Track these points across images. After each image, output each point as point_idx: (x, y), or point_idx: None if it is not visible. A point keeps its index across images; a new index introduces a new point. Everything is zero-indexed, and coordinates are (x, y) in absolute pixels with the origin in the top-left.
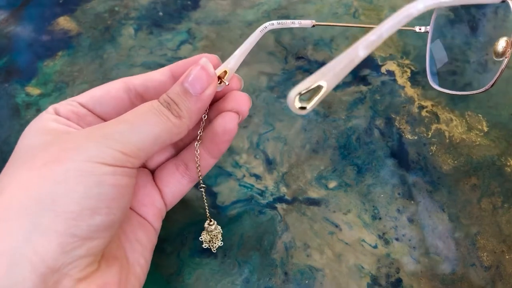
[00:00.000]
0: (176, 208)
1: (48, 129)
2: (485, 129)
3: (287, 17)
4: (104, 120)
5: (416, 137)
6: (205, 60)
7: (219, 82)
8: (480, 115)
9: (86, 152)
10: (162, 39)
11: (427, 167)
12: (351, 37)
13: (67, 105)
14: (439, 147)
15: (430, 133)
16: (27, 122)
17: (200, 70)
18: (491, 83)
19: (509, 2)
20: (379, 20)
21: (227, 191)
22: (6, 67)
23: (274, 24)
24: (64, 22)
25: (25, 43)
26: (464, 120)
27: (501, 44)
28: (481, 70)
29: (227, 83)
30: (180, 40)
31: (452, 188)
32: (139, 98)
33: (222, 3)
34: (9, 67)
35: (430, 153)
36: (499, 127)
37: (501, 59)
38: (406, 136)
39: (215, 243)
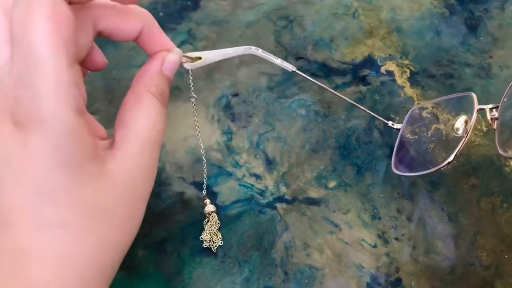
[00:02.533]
0: (176, 208)
1: None
2: (484, 129)
3: (287, 17)
4: None
5: (416, 137)
6: (178, 50)
7: (191, 61)
8: (479, 115)
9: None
10: None
11: None
12: (351, 37)
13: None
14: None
15: (429, 133)
16: None
17: (178, 58)
18: (451, 158)
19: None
20: (379, 21)
21: (227, 191)
22: None
23: (259, 50)
24: None
25: None
26: None
27: (460, 121)
28: (441, 152)
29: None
30: (180, 40)
31: (452, 188)
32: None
33: (222, 3)
34: None
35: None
36: None
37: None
38: (406, 136)
39: (215, 242)
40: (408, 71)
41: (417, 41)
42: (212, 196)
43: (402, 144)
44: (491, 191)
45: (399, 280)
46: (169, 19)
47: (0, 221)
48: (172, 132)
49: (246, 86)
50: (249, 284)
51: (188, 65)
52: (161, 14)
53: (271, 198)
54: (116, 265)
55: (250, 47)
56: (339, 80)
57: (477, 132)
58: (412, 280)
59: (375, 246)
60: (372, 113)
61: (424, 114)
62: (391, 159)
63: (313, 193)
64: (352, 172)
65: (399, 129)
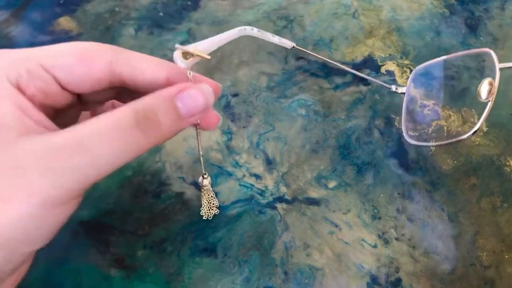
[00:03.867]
0: (176, 208)
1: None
2: (485, 129)
3: (287, 17)
4: (70, 92)
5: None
6: (209, 89)
7: (187, 57)
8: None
9: (39, 194)
10: (163, 39)
11: (427, 167)
12: (351, 37)
13: (35, 79)
14: (440, 146)
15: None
16: None
17: (200, 96)
18: (477, 125)
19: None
20: (379, 20)
21: (227, 191)
22: None
23: (254, 30)
24: (65, 23)
25: (26, 43)
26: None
27: (485, 86)
28: (461, 120)
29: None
30: (180, 40)
31: (452, 188)
32: (121, 82)
33: (222, 3)
34: None
35: (430, 153)
36: (498, 127)
37: (486, 100)
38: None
39: (211, 210)
40: (408, 71)
41: (417, 41)
42: None
43: (410, 111)
44: (491, 191)
45: (399, 280)
46: (169, 19)
47: None
48: None
49: (246, 86)
50: (249, 284)
51: (183, 64)
52: (161, 14)
53: (271, 198)
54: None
55: (244, 27)
56: (339, 80)
57: (477, 132)
58: (412, 280)
59: (375, 246)
60: (375, 80)
61: (435, 72)
62: (391, 159)
63: (313, 193)
64: (352, 172)
65: (404, 93)
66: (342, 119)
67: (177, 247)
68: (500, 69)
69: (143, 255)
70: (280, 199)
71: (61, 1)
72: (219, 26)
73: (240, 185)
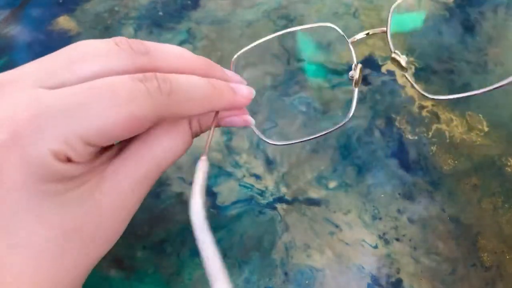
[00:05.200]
0: (175, 208)
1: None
2: (486, 129)
3: (287, 16)
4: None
5: (416, 137)
6: (252, 121)
7: None
8: (480, 115)
9: None
10: (162, 39)
11: (428, 167)
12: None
13: (82, 146)
14: (440, 147)
15: (430, 133)
16: None
17: (242, 121)
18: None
19: None
20: (380, 20)
21: (227, 191)
22: (5, 67)
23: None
24: (64, 22)
25: (25, 43)
26: (464, 120)
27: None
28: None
29: None
30: (180, 39)
31: (453, 188)
32: None
33: (222, 3)
34: (9, 67)
35: (431, 153)
36: (499, 127)
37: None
38: (407, 136)
39: None
40: (413, 67)
41: (421, 40)
42: (212, 196)
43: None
44: (492, 191)
45: (400, 281)
46: (169, 18)
47: None
48: None
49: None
50: (249, 285)
51: None
52: (160, 13)
53: (271, 199)
54: (85, 276)
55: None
56: (340, 80)
57: (478, 132)
58: (413, 281)
59: (375, 247)
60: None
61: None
62: (392, 159)
63: (314, 193)
64: (352, 172)
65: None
66: (342, 118)
67: (177, 248)
68: (352, 42)
69: (142, 256)
70: (280, 200)
71: (60, 1)
72: (219, 25)
73: (240, 185)
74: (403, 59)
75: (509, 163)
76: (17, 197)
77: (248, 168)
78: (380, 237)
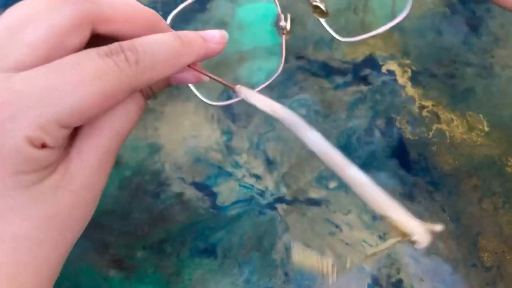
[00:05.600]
0: (175, 208)
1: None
2: (486, 129)
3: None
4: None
5: (416, 137)
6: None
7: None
8: (480, 115)
9: None
10: None
11: (428, 167)
12: None
13: (55, 130)
14: (440, 147)
15: (431, 133)
16: None
17: (194, 77)
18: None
19: None
20: (379, 20)
21: (227, 191)
22: None
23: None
24: None
25: None
26: (465, 120)
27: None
28: None
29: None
30: None
31: (453, 188)
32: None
33: (222, 2)
34: None
35: (431, 153)
36: (499, 127)
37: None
38: (407, 136)
39: None
40: (409, 70)
41: (418, 41)
42: (212, 196)
43: None
44: (493, 191)
45: (400, 281)
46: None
47: None
48: (172, 132)
49: (247, 85)
50: (249, 285)
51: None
52: (160, 13)
53: (271, 199)
54: (63, 260)
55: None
56: (340, 80)
57: (478, 132)
58: (413, 281)
59: (376, 247)
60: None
61: None
62: (392, 159)
63: (314, 193)
64: None
65: None
66: (343, 119)
67: (177, 248)
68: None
69: (142, 256)
70: (281, 200)
71: None
72: (219, 26)
73: (240, 185)
74: (322, 4)
75: (509, 163)
76: None
77: (248, 168)
78: (380, 237)
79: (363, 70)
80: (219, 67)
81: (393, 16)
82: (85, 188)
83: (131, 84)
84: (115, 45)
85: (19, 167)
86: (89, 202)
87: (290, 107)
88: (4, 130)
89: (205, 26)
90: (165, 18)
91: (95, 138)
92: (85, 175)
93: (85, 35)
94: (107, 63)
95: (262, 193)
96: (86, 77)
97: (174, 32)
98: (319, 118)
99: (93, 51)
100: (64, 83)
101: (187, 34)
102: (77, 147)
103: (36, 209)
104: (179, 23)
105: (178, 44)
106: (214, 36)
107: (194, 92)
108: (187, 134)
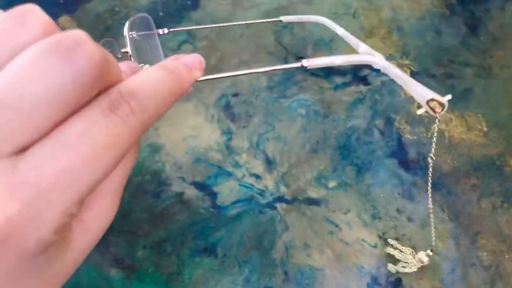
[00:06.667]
0: (176, 208)
1: None
2: (485, 129)
3: None
4: None
5: (415, 137)
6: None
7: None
8: (479, 115)
9: None
10: (163, 39)
11: (427, 167)
12: None
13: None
14: (439, 147)
15: (429, 133)
16: None
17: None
18: None
19: None
20: (379, 20)
21: (227, 191)
22: None
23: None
24: (65, 22)
25: None
26: (463, 120)
27: None
28: None
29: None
30: (180, 40)
31: (452, 188)
32: None
33: (222, 3)
34: None
35: (430, 153)
36: (498, 127)
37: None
38: (406, 136)
39: None
40: (408, 71)
41: (417, 41)
42: (212, 196)
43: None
44: (492, 191)
45: (399, 280)
46: (169, 18)
47: None
48: (172, 132)
49: (246, 86)
50: (249, 284)
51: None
52: (161, 14)
53: (271, 198)
54: None
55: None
56: (339, 80)
57: (477, 132)
58: (412, 280)
59: (375, 247)
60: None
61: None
62: (391, 159)
63: (313, 193)
64: (352, 172)
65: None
66: (342, 119)
67: (177, 247)
68: None
69: (143, 255)
70: (280, 199)
71: (61, 1)
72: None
73: (240, 185)
74: None
75: (508, 163)
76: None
77: (248, 168)
78: (379, 236)
79: (362, 70)
80: (218, 70)
81: None
82: (88, 248)
83: (140, 133)
84: (114, 94)
85: (39, 253)
86: (87, 252)
87: (290, 107)
88: (29, 232)
89: (199, 25)
90: (165, 18)
91: (98, 207)
92: (88, 237)
93: None
94: (115, 123)
95: (262, 193)
96: (99, 149)
97: (160, 65)
98: (318, 118)
99: (96, 111)
100: (78, 162)
101: (175, 66)
102: (78, 216)
103: (45, 284)
104: (169, 22)
105: (170, 80)
106: (195, 64)
107: (194, 93)
108: (187, 134)
